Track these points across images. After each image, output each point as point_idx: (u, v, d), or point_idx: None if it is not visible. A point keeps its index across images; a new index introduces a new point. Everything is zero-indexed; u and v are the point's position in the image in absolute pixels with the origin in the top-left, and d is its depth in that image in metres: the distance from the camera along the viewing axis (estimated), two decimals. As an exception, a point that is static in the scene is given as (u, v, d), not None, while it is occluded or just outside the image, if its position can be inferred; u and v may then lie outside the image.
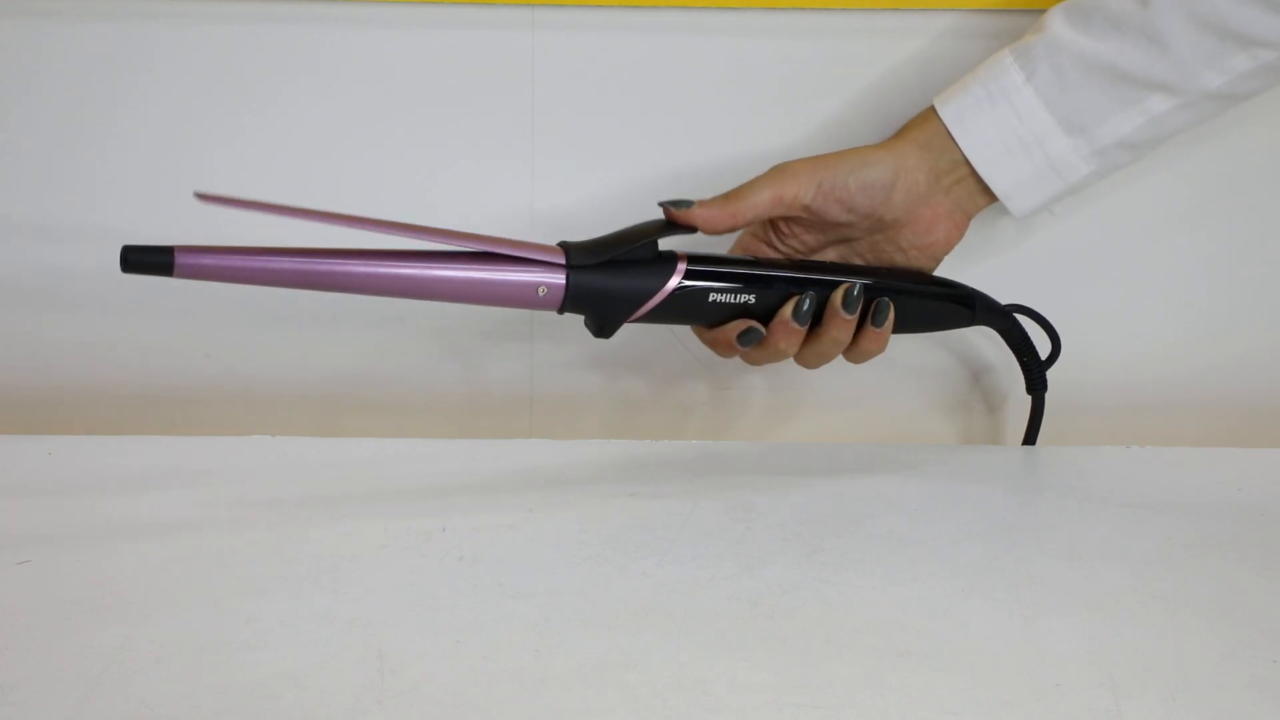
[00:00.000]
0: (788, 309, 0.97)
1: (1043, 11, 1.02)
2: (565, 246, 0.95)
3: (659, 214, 0.97)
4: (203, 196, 0.88)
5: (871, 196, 0.98)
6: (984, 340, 1.12)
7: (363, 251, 0.93)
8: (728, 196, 0.98)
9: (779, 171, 0.99)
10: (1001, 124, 0.98)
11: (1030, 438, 1.09)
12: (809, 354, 0.99)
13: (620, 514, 0.97)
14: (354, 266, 0.92)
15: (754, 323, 0.97)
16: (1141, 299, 1.11)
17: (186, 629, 0.82)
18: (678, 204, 0.97)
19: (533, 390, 1.11)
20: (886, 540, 0.93)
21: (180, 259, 0.89)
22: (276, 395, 1.11)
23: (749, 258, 1.00)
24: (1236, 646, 0.82)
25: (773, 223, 1.01)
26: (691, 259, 0.97)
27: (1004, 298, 1.06)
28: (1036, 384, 1.08)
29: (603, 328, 0.97)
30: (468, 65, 1.06)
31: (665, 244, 0.97)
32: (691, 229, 0.97)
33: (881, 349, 0.99)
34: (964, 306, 1.03)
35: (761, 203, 0.98)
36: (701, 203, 0.97)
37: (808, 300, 0.96)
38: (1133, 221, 1.10)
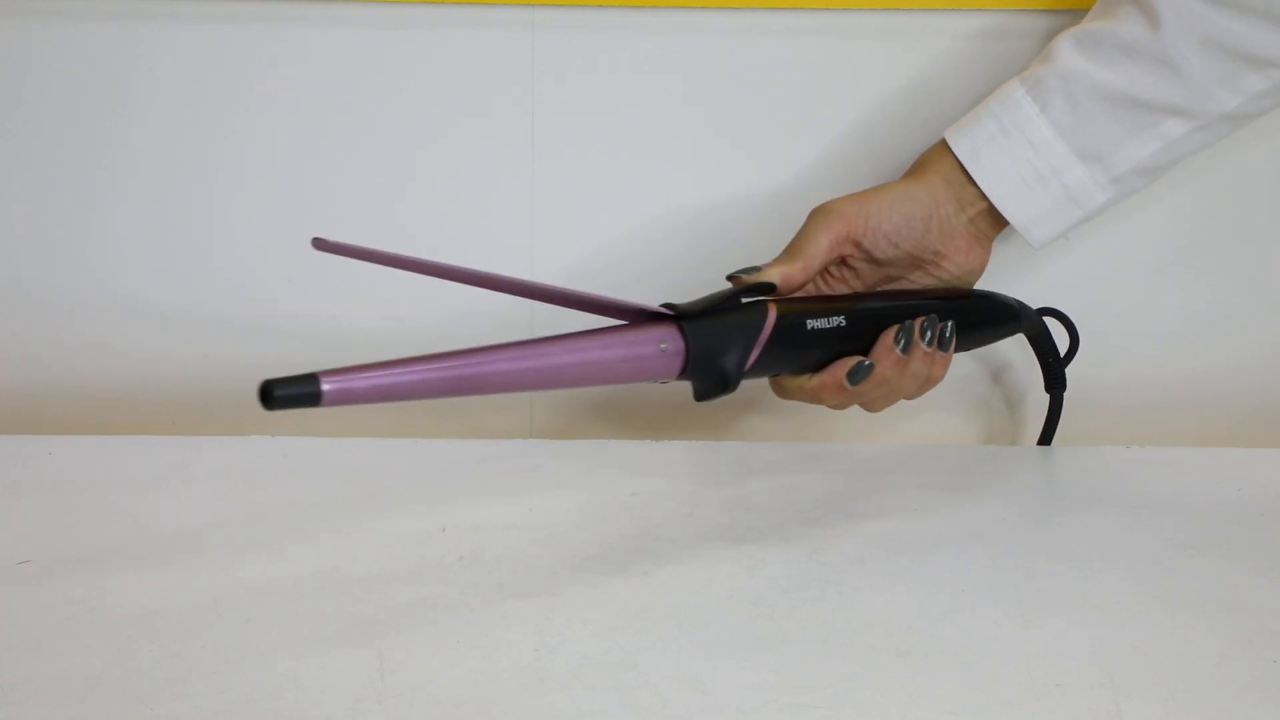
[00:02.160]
0: (888, 337, 0.95)
1: (1039, 11, 1.02)
2: (668, 306, 0.93)
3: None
4: (320, 244, 0.85)
5: (912, 230, 0.98)
6: (1003, 341, 1.11)
7: (499, 348, 0.88)
8: (790, 253, 0.97)
9: (824, 214, 0.98)
10: (1017, 157, 0.98)
11: (1047, 436, 1.09)
12: (893, 391, 0.97)
13: (620, 514, 0.97)
14: (498, 366, 0.87)
15: (861, 358, 0.95)
16: (1141, 299, 1.11)
17: (187, 629, 0.82)
18: (747, 270, 0.96)
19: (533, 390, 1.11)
20: (886, 540, 0.93)
21: (326, 386, 0.82)
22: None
23: (831, 294, 0.99)
24: (1236, 646, 0.82)
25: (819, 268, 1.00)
26: (779, 301, 0.95)
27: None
28: (1056, 382, 1.08)
29: (726, 377, 0.93)
30: (468, 65, 1.06)
31: None
32: (770, 289, 0.95)
33: (944, 375, 0.98)
34: (1013, 315, 1.04)
35: (822, 249, 0.97)
36: (772, 264, 0.96)
37: (911, 327, 0.95)
38: (1133, 222, 1.10)
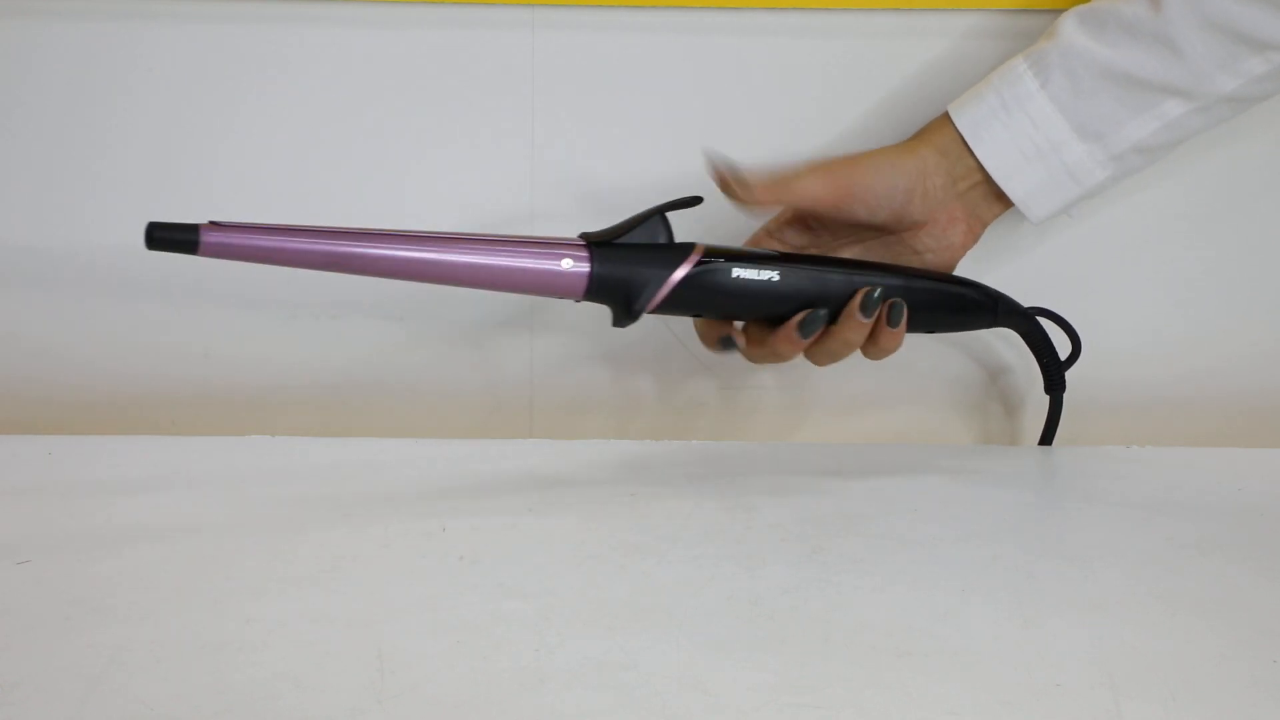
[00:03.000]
0: (855, 301, 0.96)
1: (1042, 12, 1.02)
2: (585, 236, 0.96)
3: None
4: (216, 225, 0.89)
5: (894, 199, 0.98)
6: (1001, 342, 1.12)
7: (389, 233, 0.93)
8: (776, 178, 0.97)
9: (823, 167, 0.98)
10: (1017, 131, 0.98)
11: (1047, 438, 1.09)
12: (819, 352, 0.98)
13: (620, 514, 0.97)
14: (380, 249, 0.92)
15: (817, 310, 0.97)
16: (1142, 299, 1.11)
17: (186, 629, 0.82)
18: (730, 166, 0.97)
19: (533, 390, 1.11)
20: (887, 540, 0.93)
21: (206, 237, 0.89)
22: (276, 395, 1.11)
23: (770, 251, 0.99)
24: (1236, 646, 0.82)
25: (790, 220, 1.01)
26: (709, 248, 0.97)
27: (1006, 294, 1.06)
28: (1055, 384, 1.08)
29: (629, 307, 0.96)
30: (468, 65, 1.06)
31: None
32: (697, 201, 0.97)
33: (898, 346, 0.99)
34: (986, 307, 1.03)
35: (810, 192, 0.97)
36: (755, 173, 0.97)
37: (878, 290, 0.96)
38: (1134, 222, 1.10)
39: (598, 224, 1.08)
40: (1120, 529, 0.96)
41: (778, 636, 0.82)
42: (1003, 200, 1.00)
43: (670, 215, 0.97)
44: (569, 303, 1.09)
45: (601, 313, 0.97)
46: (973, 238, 1.01)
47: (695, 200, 0.97)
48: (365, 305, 1.09)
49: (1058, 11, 1.03)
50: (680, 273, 0.96)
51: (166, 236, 0.89)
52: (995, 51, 1.05)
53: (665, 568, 0.90)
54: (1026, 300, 1.06)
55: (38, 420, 1.10)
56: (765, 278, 0.97)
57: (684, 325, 1.09)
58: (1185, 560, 0.92)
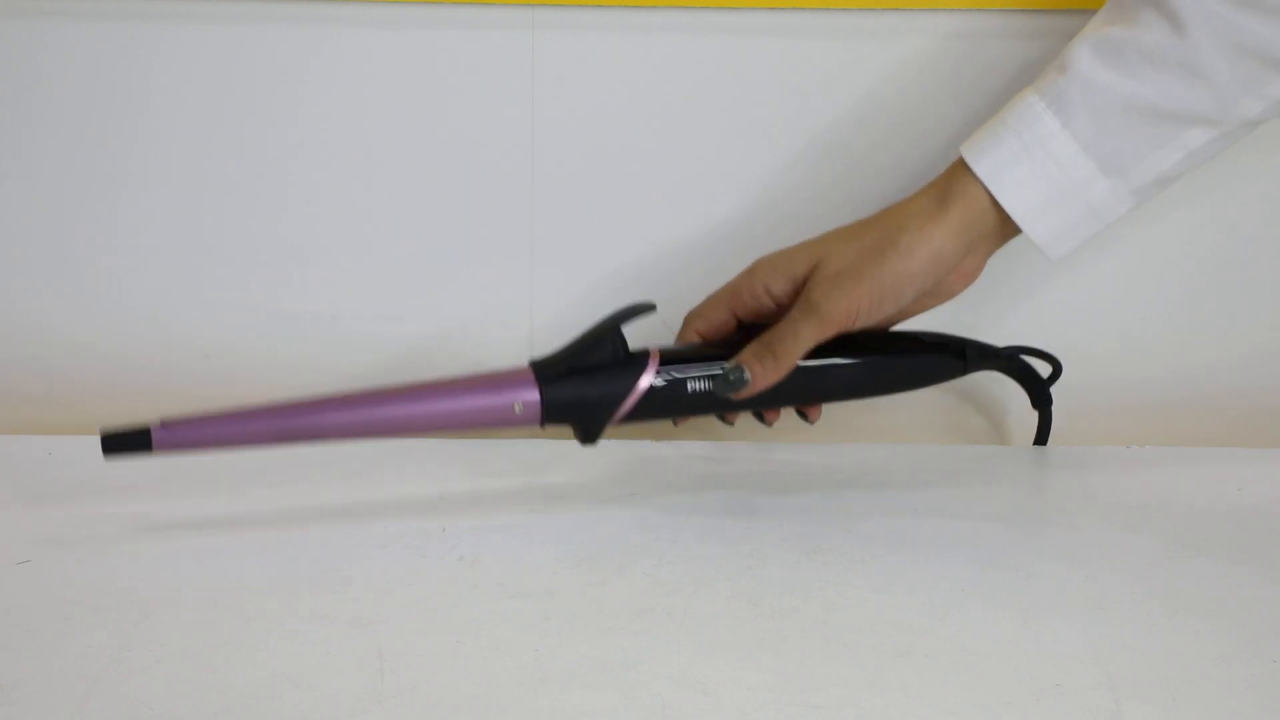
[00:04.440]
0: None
1: (1039, 12, 1.01)
2: (534, 364, 0.95)
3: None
4: (165, 423, 0.90)
5: (926, 281, 0.96)
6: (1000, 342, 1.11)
7: (340, 397, 0.93)
8: (772, 348, 0.95)
9: (822, 307, 0.95)
10: (1040, 174, 0.94)
11: (1042, 441, 1.09)
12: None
13: (620, 514, 0.97)
14: (334, 416, 0.92)
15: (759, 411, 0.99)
16: (1142, 299, 1.11)
17: (186, 629, 0.82)
18: (731, 382, 0.95)
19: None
20: (886, 540, 0.93)
21: (158, 435, 0.89)
22: (276, 395, 1.10)
23: (716, 350, 0.98)
24: (1236, 646, 0.82)
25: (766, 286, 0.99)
26: (664, 355, 0.96)
27: (1004, 293, 1.06)
28: (1042, 401, 1.08)
29: (587, 434, 0.96)
30: (468, 65, 1.06)
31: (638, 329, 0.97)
32: (650, 309, 0.97)
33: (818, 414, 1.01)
34: (953, 357, 1.03)
35: (838, 320, 0.95)
36: (753, 363, 0.95)
37: (732, 374, 0.95)
38: (1134, 222, 1.10)
39: (598, 223, 1.08)
40: (1120, 529, 0.96)
41: (778, 636, 0.82)
42: (1009, 236, 0.97)
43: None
44: (568, 303, 1.09)
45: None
46: (979, 271, 0.99)
47: (648, 308, 0.97)
48: (365, 304, 1.09)
49: (1056, 11, 1.03)
50: (634, 394, 0.95)
51: (119, 443, 0.90)
52: (994, 51, 1.05)
53: (665, 568, 0.90)
54: (1013, 295, 1.06)
55: (38, 420, 1.10)
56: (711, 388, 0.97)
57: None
58: (1185, 560, 0.92)
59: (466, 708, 0.75)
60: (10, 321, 1.09)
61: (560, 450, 1.06)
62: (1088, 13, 0.98)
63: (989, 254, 0.98)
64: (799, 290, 0.97)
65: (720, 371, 0.96)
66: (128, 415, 1.10)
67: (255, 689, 0.76)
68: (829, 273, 0.95)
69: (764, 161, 1.08)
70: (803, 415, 1.02)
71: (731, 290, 0.99)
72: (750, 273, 0.98)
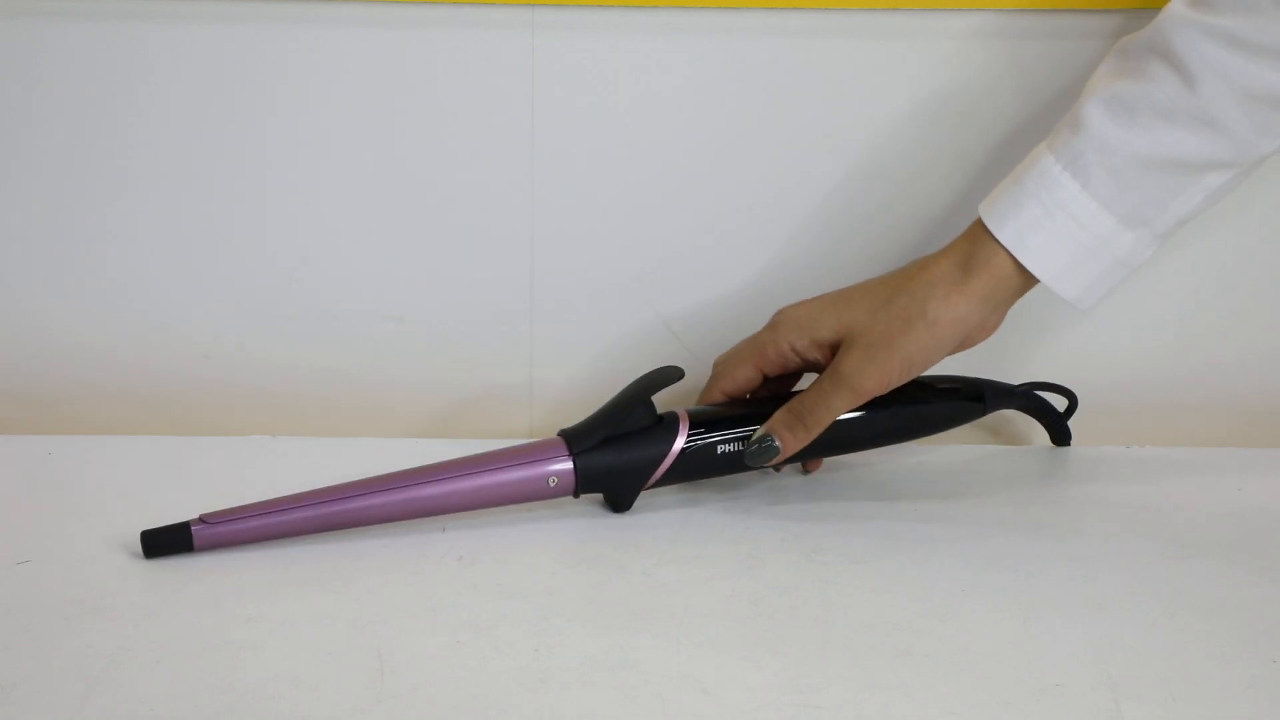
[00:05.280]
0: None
1: (1042, 12, 1.01)
2: (564, 434, 0.96)
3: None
4: (205, 519, 0.90)
5: (951, 348, 0.97)
6: (1004, 362, 1.11)
7: (376, 481, 0.93)
8: (803, 419, 0.97)
9: (854, 379, 0.96)
10: (1064, 236, 0.94)
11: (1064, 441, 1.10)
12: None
13: (620, 514, 0.97)
14: (372, 501, 0.92)
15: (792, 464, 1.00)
16: (1142, 299, 1.11)
17: (186, 629, 0.82)
18: (763, 450, 0.96)
19: (532, 390, 1.11)
20: (886, 540, 0.94)
21: (198, 532, 0.90)
22: (276, 395, 1.10)
23: (743, 409, 0.99)
24: (1236, 646, 0.82)
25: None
26: (693, 417, 0.97)
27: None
28: (1062, 438, 1.09)
29: (619, 503, 0.97)
30: (468, 65, 1.06)
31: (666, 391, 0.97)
32: (679, 375, 0.97)
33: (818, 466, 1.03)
34: (972, 401, 1.03)
35: (865, 391, 0.96)
36: (783, 433, 0.96)
37: (754, 445, 0.97)
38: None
39: (597, 223, 1.08)
40: (1120, 529, 0.96)
41: (778, 636, 0.83)
42: (1028, 287, 0.97)
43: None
44: (568, 303, 1.09)
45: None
46: (1003, 319, 0.99)
47: (677, 374, 0.97)
48: (365, 304, 1.09)
49: (1057, 12, 1.03)
50: (666, 461, 0.96)
51: (160, 542, 0.89)
52: (995, 51, 1.05)
53: (665, 568, 0.90)
54: (1024, 303, 1.06)
55: (38, 420, 1.10)
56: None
57: (683, 324, 1.09)
58: (1185, 560, 0.92)
59: (466, 708, 0.75)
60: (10, 321, 1.09)
61: (560, 450, 1.06)
62: (1135, 12, 0.99)
63: (1010, 306, 0.98)
64: (823, 350, 0.98)
65: (753, 443, 0.97)
66: (128, 415, 1.10)
67: (255, 689, 0.76)
68: (859, 345, 0.96)
69: (766, 161, 1.08)
70: (803, 468, 1.04)
71: (757, 349, 0.99)
72: (774, 329, 0.99)
